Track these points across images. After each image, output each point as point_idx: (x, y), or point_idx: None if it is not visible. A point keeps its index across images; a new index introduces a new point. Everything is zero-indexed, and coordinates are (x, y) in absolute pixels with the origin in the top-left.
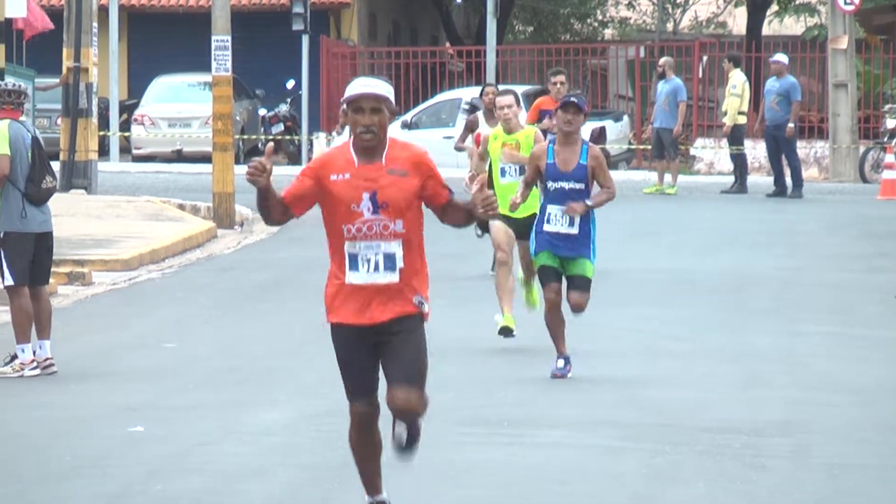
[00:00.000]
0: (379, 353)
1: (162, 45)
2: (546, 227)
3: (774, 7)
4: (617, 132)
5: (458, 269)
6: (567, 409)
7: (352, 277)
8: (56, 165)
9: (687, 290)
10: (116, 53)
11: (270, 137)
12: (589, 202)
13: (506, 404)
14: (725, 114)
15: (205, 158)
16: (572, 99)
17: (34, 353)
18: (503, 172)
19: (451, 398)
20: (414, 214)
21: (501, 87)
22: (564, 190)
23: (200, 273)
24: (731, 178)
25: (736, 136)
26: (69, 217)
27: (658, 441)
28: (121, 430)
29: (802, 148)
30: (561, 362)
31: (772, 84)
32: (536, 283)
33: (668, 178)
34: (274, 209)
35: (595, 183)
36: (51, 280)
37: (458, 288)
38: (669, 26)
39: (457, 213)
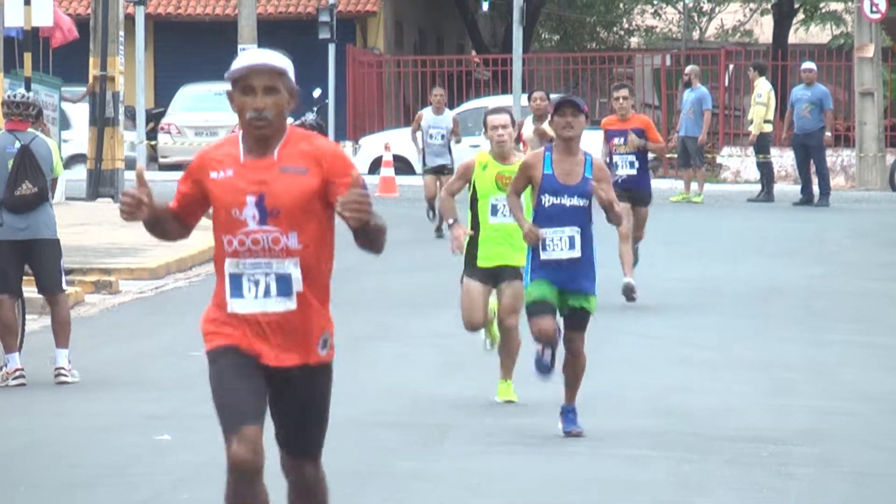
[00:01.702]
0: (271, 397)
1: (188, 53)
2: (543, 256)
3: (800, 15)
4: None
5: None
6: (591, 418)
7: (236, 305)
8: (83, 174)
9: (713, 299)
10: (143, 62)
11: None
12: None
13: (530, 413)
14: (751, 122)
15: None
16: (570, 98)
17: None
18: (494, 210)
19: (475, 407)
20: (317, 227)
21: (494, 102)
22: (564, 207)
23: None
24: (758, 187)
25: (762, 145)
26: (96, 226)
27: (685, 449)
28: (147, 439)
29: (829, 156)
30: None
31: (802, 92)
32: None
33: (694, 186)
34: (169, 231)
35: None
36: (76, 289)
37: None
38: (695, 35)
39: (368, 233)
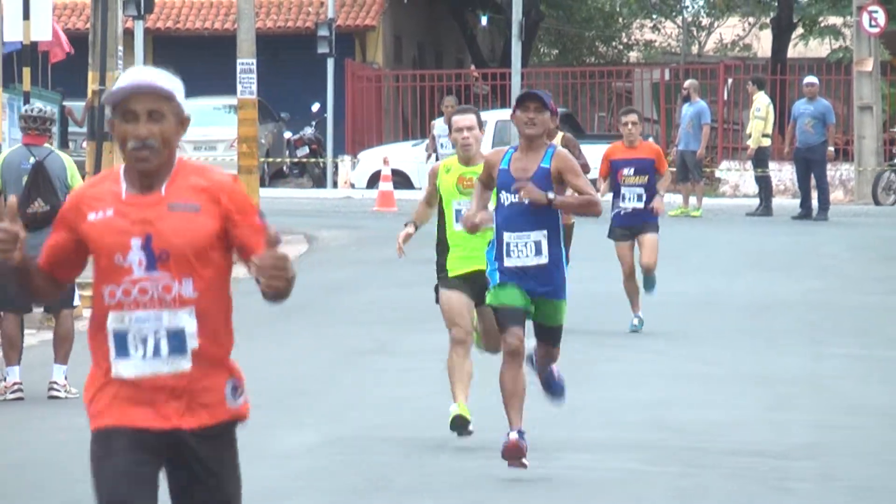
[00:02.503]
0: (169, 478)
1: (187, 68)
2: (507, 263)
3: (799, 30)
4: None
5: None
6: (592, 432)
7: (121, 367)
8: None
9: (712, 313)
10: None
11: (296, 160)
12: (550, 195)
13: (530, 427)
14: (750, 136)
15: None
16: (533, 91)
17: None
18: (458, 216)
19: (475, 421)
20: (214, 272)
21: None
22: (524, 206)
23: None
24: (757, 201)
25: (760, 159)
26: None
27: (684, 464)
28: None
29: (828, 170)
30: (515, 435)
31: (804, 107)
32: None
33: (692, 200)
34: (39, 288)
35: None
36: (77, 303)
37: None
38: (694, 49)
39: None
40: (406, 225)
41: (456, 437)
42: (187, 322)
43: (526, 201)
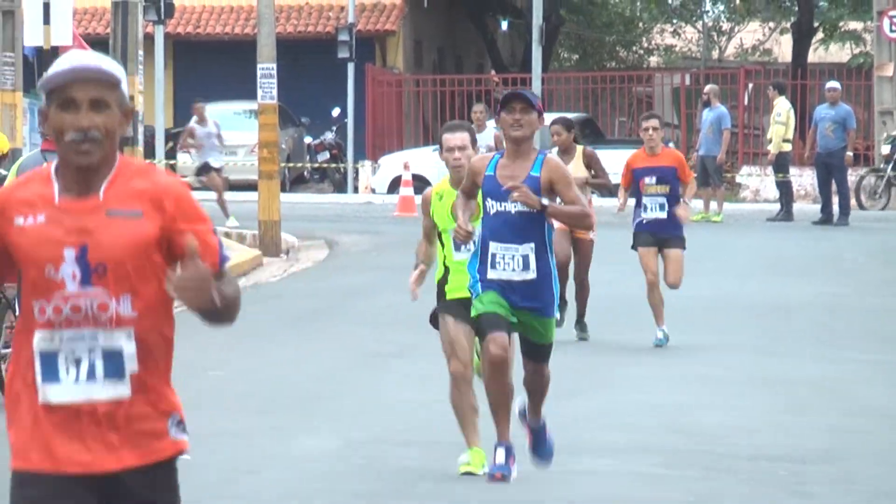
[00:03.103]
0: None
1: (207, 73)
2: (492, 275)
3: (820, 34)
4: None
5: None
6: (609, 436)
7: (50, 392)
8: None
9: (731, 316)
10: (162, 81)
11: (316, 165)
12: (545, 201)
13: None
14: (770, 141)
15: (250, 186)
16: (519, 91)
17: None
18: (458, 245)
19: (492, 425)
20: (156, 288)
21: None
22: (510, 215)
23: (246, 301)
24: (777, 206)
25: (781, 164)
26: None
27: (701, 468)
28: None
29: (848, 175)
30: (501, 454)
31: (825, 111)
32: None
33: (713, 205)
34: None
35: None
36: None
37: None
38: (715, 54)
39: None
40: (415, 267)
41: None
42: (125, 344)
43: (513, 209)
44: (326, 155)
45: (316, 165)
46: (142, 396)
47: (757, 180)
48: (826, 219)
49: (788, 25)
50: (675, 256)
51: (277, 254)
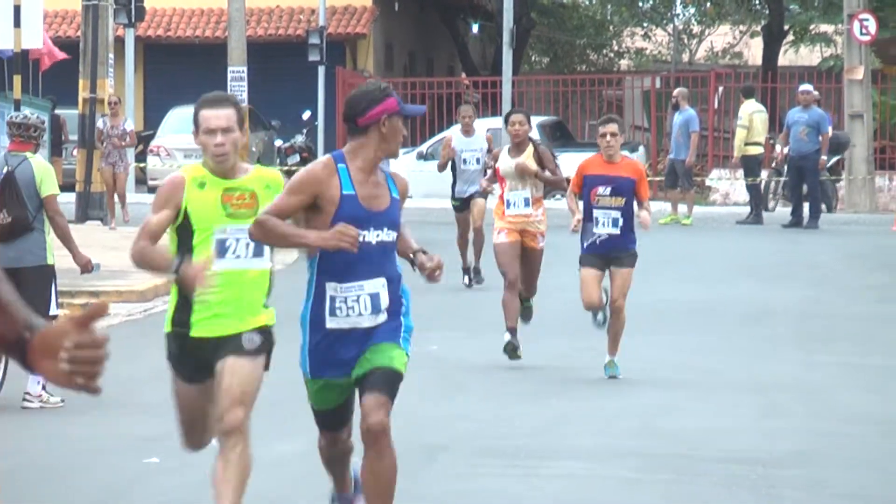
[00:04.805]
0: None
1: (178, 76)
2: (331, 325)
3: (790, 37)
4: None
5: (473, 298)
6: (584, 440)
7: None
8: (72, 197)
9: (704, 321)
10: (132, 84)
11: (287, 168)
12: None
13: (522, 435)
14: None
15: None
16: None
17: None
18: (223, 248)
19: (467, 428)
20: None
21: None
22: (370, 246)
23: None
24: (747, 209)
25: (750, 167)
26: (84, 249)
27: (675, 471)
28: (136, 462)
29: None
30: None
31: (799, 115)
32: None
33: (683, 208)
34: None
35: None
36: (65, 311)
37: (473, 318)
38: (685, 57)
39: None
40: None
41: (448, 445)
42: None
43: (375, 238)
44: (297, 157)
45: (286, 168)
46: None
47: (727, 183)
48: (796, 222)
49: (759, 28)
50: (623, 274)
51: None
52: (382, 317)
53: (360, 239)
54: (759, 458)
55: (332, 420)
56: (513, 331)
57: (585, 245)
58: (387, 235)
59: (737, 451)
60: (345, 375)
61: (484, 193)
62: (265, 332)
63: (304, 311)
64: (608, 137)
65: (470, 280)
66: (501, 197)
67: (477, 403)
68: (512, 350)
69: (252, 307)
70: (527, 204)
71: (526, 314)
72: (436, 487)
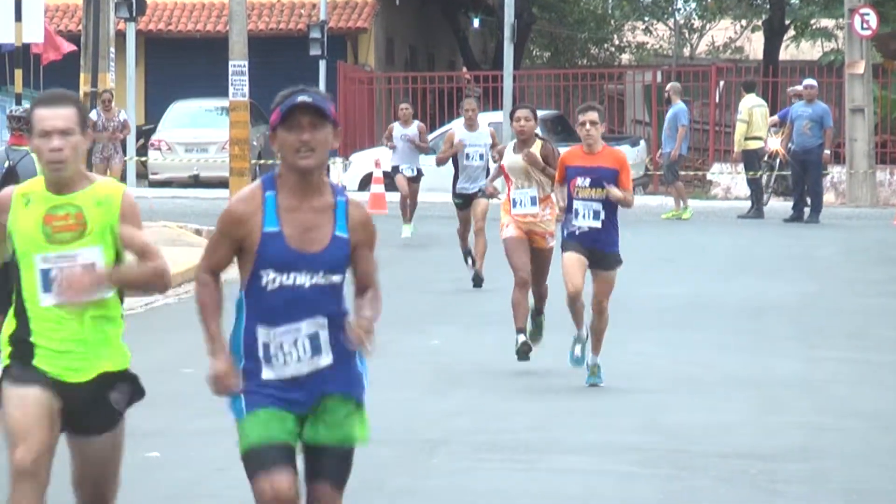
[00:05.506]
0: None
1: (179, 70)
2: (267, 375)
3: (791, 32)
4: (634, 157)
5: (474, 293)
6: (583, 435)
7: None
8: None
9: (704, 315)
10: (133, 78)
11: None
12: (367, 313)
13: (521, 429)
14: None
15: (222, 183)
16: (308, 100)
17: None
18: (48, 285)
19: (467, 423)
20: None
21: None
22: (302, 291)
23: None
24: (748, 203)
25: (750, 162)
26: None
27: (674, 466)
28: (137, 456)
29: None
30: None
31: (802, 109)
32: None
33: (671, 201)
34: None
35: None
36: None
37: (474, 313)
38: (686, 51)
39: None
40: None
41: (447, 440)
42: None
43: (308, 282)
44: None
45: None
46: None
47: (728, 178)
48: (797, 216)
49: (760, 23)
50: (607, 278)
51: None
52: (327, 359)
53: (291, 282)
54: (758, 453)
55: (274, 455)
56: (523, 332)
57: (566, 234)
58: (323, 279)
59: (736, 446)
60: (293, 412)
61: (488, 196)
62: (127, 382)
63: (234, 357)
64: (587, 126)
65: (473, 262)
66: (508, 195)
67: (477, 398)
68: (526, 352)
69: (99, 347)
70: (533, 203)
71: (535, 334)
72: (435, 482)
